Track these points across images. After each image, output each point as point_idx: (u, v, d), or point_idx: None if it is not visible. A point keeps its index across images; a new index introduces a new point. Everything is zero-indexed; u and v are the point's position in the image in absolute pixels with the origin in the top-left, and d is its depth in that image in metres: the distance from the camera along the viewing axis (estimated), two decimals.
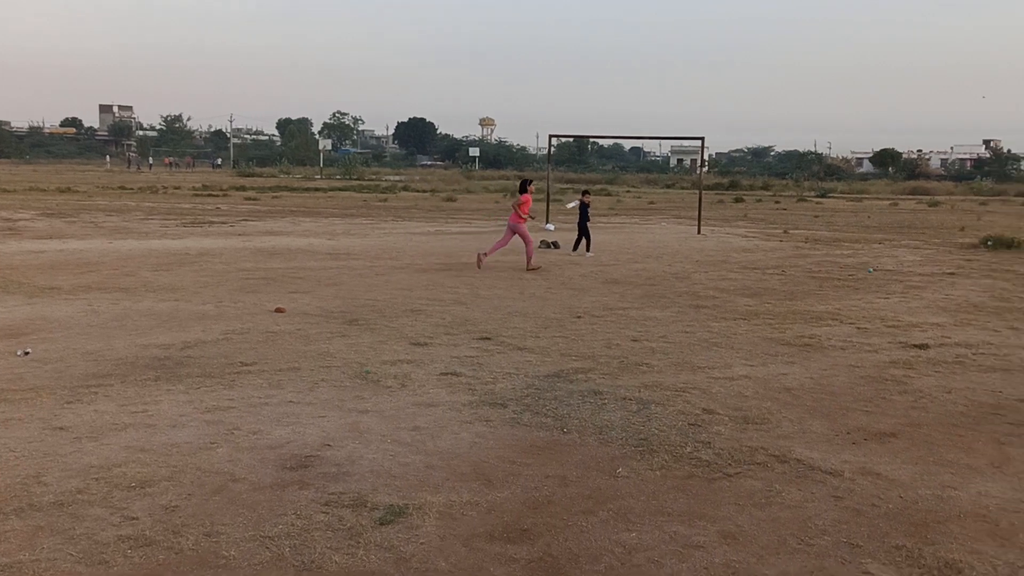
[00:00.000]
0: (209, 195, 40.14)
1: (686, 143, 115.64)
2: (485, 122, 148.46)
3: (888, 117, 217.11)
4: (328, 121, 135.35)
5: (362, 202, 37.98)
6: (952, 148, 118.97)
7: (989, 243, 20.52)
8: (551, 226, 23.82)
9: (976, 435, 6.03)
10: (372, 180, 63.05)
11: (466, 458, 5.45)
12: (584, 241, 18.46)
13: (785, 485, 5.05)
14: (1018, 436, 6.03)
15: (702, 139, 25.87)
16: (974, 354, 8.67)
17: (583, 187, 25.50)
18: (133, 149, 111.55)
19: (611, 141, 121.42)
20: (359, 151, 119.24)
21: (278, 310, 10.55)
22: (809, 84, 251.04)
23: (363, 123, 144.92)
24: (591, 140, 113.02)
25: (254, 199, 37.92)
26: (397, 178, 67.24)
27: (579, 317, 10.53)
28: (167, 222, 24.60)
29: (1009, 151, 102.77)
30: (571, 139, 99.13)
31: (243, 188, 46.56)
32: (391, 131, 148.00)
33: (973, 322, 10.50)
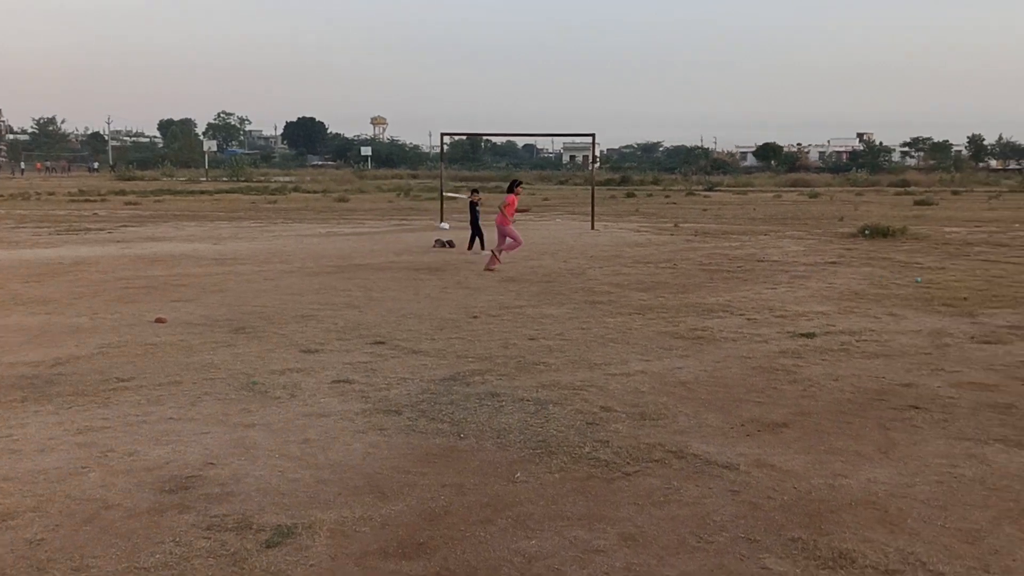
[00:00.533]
0: (86, 200, 38.37)
1: (578, 140, 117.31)
2: (377, 121, 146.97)
3: (769, 112, 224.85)
4: (213, 122, 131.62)
5: (250, 204, 36.96)
6: (829, 141, 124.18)
7: (867, 232, 21.36)
8: (445, 225, 23.66)
9: (863, 421, 6.17)
10: (261, 182, 61.52)
11: (359, 470, 5.25)
12: (478, 240, 18.34)
13: (683, 482, 5.04)
14: (900, 420, 6.19)
15: (593, 136, 26.15)
16: (857, 341, 8.93)
17: (474, 185, 25.28)
18: (3, 154, 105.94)
19: (504, 139, 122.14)
20: (246, 152, 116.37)
21: (159, 320, 10.05)
22: (694, 81, 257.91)
23: (250, 123, 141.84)
24: (484, 138, 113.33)
25: (135, 203, 36.46)
26: (287, 179, 65.82)
27: (475, 317, 10.40)
28: (40, 230, 23.35)
29: (881, 143, 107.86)
30: (464, 137, 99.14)
31: (123, 192, 44.74)
32: (280, 131, 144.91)
33: (855, 310, 10.85)
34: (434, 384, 7.21)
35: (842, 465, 5.28)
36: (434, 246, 19.16)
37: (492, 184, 57.71)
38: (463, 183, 49.75)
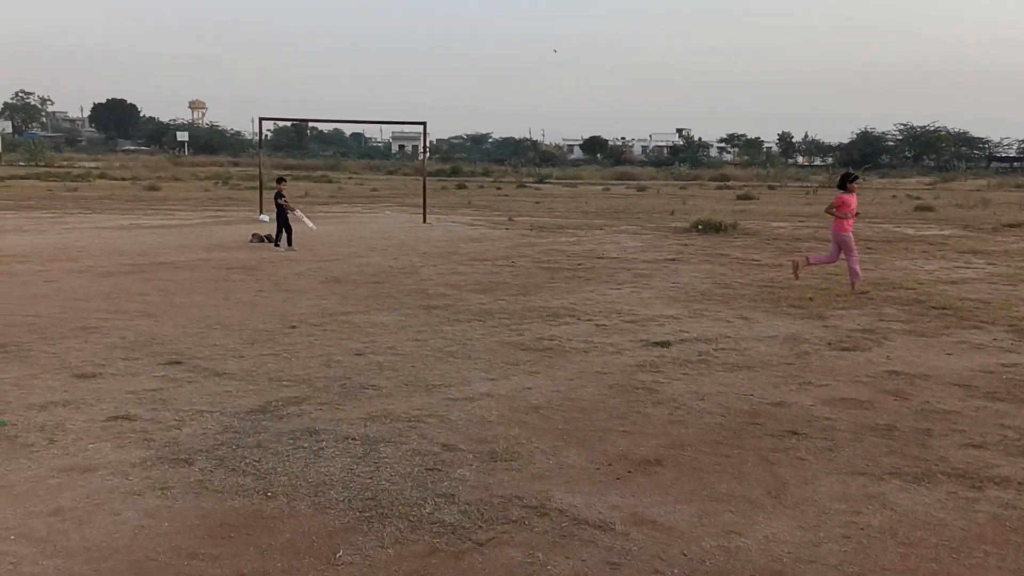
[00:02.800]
0: None
1: (408, 130, 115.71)
2: (195, 105, 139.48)
3: (594, 107, 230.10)
4: (10, 101, 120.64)
5: (46, 192, 33.40)
6: (651, 136, 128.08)
7: (700, 227, 21.32)
8: (265, 217, 21.85)
9: (743, 454, 5.39)
10: (63, 167, 56.42)
11: (125, 556, 3.94)
12: (285, 234, 16.66)
13: (549, 552, 4.04)
14: (783, 451, 5.47)
15: (423, 124, 24.95)
16: (715, 350, 8.27)
17: (279, 174, 23.18)
18: None
19: (332, 127, 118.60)
20: (49, 135, 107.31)
21: None
22: (522, 75, 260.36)
23: (53, 104, 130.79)
24: (310, 125, 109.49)
25: None
26: (93, 164, 60.74)
27: (293, 327, 9.07)
28: None
29: (700, 139, 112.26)
30: (288, 124, 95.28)
31: None
32: (87, 113, 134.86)
33: (705, 312, 10.28)
34: (238, 419, 5.91)
35: (733, 517, 4.44)
36: (251, 241, 17.44)
37: (318, 173, 55.44)
38: (288, 171, 47.24)
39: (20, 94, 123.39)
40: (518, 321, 9.59)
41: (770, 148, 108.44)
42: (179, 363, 7.42)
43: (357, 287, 11.89)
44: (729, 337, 8.87)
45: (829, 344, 8.59)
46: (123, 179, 44.39)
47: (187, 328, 8.90)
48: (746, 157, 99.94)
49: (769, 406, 6.44)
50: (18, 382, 6.74)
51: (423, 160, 29.77)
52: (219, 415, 5.98)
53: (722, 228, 21.10)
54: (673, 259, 15.66)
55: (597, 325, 9.45)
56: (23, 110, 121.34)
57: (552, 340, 8.61)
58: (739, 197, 38.08)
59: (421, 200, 24.91)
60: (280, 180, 17.88)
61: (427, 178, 27.40)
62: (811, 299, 11.18)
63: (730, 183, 56.39)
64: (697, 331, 9.17)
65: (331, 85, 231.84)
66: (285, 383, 6.87)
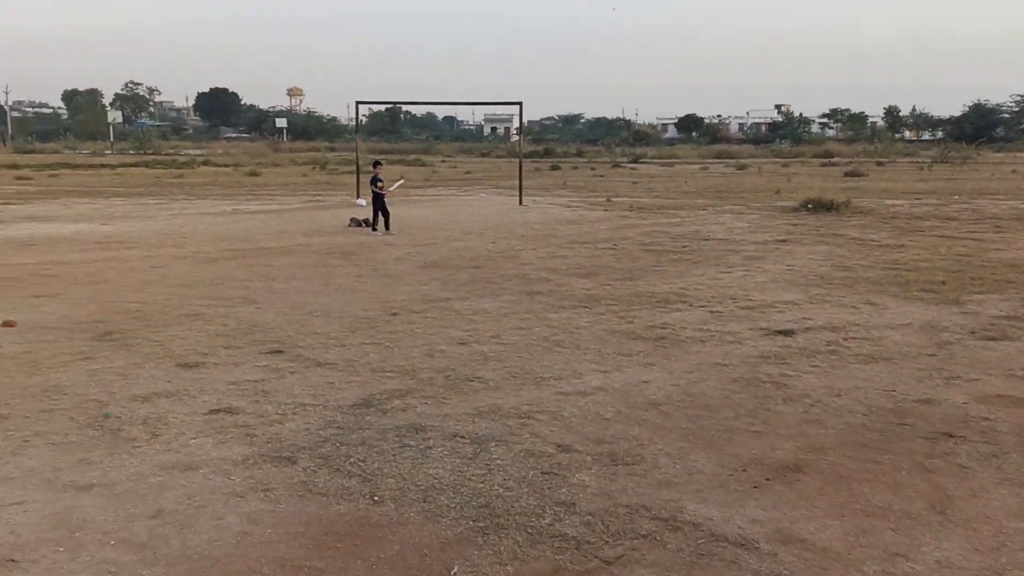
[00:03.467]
0: None
1: (499, 111, 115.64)
2: (293, 92, 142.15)
3: (688, 84, 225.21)
4: (121, 92, 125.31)
5: (154, 179, 34.38)
6: (748, 113, 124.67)
7: (809, 206, 20.35)
8: (362, 201, 21.80)
9: (895, 460, 4.82)
10: (169, 155, 58.27)
11: (227, 567, 3.67)
12: (382, 218, 16.51)
13: (687, 574, 3.60)
14: (940, 456, 4.88)
15: (519, 104, 24.52)
16: (845, 339, 7.63)
17: (375, 158, 23.09)
18: None
19: (424, 111, 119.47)
20: (156, 124, 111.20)
21: (6, 324, 8.20)
22: (612, 55, 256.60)
23: (160, 94, 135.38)
24: (404, 110, 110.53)
25: (26, 179, 33.53)
26: (197, 152, 62.56)
27: (395, 314, 8.81)
28: None
29: (801, 115, 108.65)
30: (382, 108, 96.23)
31: (16, 166, 41.38)
32: (192, 102, 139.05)
33: (828, 298, 9.59)
34: (341, 413, 5.63)
35: (894, 537, 3.91)
36: (349, 225, 17.37)
37: (411, 157, 55.75)
38: (383, 155, 47.59)
39: (129, 85, 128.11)
40: (626, 308, 9.11)
41: (875, 123, 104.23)
42: (280, 352, 7.22)
43: (457, 272, 11.59)
44: (858, 325, 8.20)
45: (972, 333, 7.84)
46: (225, 165, 45.46)
47: (288, 315, 8.73)
48: (850, 133, 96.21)
49: (916, 403, 5.82)
50: (123, 371, 6.63)
51: (520, 142, 29.25)
52: (322, 409, 5.72)
53: (833, 206, 20.08)
54: (784, 240, 14.87)
55: (712, 312, 8.90)
56: (132, 100, 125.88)
57: (665, 328, 8.11)
58: (846, 174, 36.48)
59: (516, 182, 24.56)
60: (376, 164, 17.75)
61: (522, 160, 27.01)
62: (943, 282, 10.35)
63: (835, 160, 54.35)
64: (822, 318, 8.52)
65: (424, 69, 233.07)
66: (388, 374, 6.57)
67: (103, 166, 44.42)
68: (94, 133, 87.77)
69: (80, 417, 5.57)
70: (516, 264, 12.32)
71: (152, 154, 59.13)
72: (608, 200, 24.16)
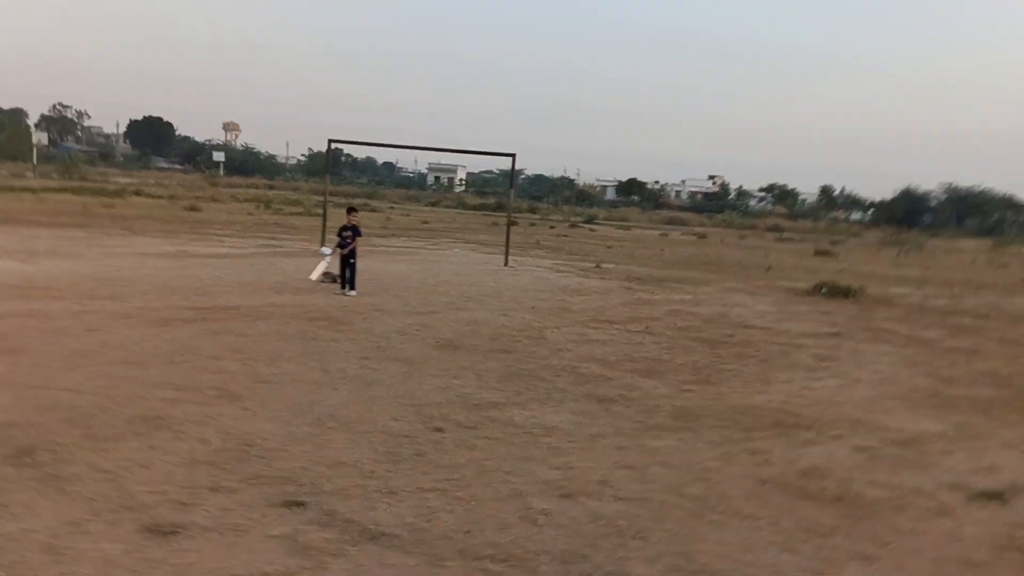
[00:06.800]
0: None
1: (444, 160, 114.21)
2: (230, 127, 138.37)
3: (623, 149, 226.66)
4: (47, 114, 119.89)
5: (81, 208, 31.06)
6: (684, 181, 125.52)
7: (824, 291, 18.54)
8: (327, 249, 19.12)
9: None
10: (97, 182, 54.38)
11: None
12: (349, 274, 14.04)
13: None
14: None
15: (513, 156, 22.31)
16: None
17: (349, 202, 20.63)
18: None
19: (364, 154, 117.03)
20: (84, 149, 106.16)
21: None
22: (551, 117, 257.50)
23: (89, 118, 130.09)
24: (345, 151, 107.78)
25: None
26: (128, 180, 58.75)
27: (439, 430, 6.38)
28: None
29: (740, 187, 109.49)
30: (338, 147, 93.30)
31: None
32: (123, 129, 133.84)
33: (980, 431, 7.50)
34: None
35: None
36: (322, 279, 14.76)
37: (358, 200, 53.11)
38: (333, 199, 44.95)
39: (58, 107, 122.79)
40: (744, 433, 6.84)
41: (805, 200, 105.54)
42: (302, 505, 4.74)
43: (484, 358, 9.20)
44: None
45: None
46: (160, 197, 42.16)
47: (291, 425, 6.23)
48: (783, 209, 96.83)
49: None
50: (51, 541, 4.07)
51: (511, 196, 26.68)
52: None
53: (850, 293, 18.32)
54: (836, 334, 12.86)
55: (856, 448, 6.70)
56: (59, 123, 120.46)
57: (825, 479, 5.86)
58: (817, 253, 35.21)
59: (481, 237, 22.33)
60: (351, 210, 15.26)
61: (470, 211, 24.86)
62: None
63: (786, 235, 53.60)
64: (1014, 470, 6.38)
65: (359, 111, 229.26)
66: (487, 562, 4.15)
67: (24, 189, 40.67)
68: (15, 154, 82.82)
69: None
70: (549, 349, 9.99)
71: (78, 180, 55.20)
72: (597, 266, 22.05)
